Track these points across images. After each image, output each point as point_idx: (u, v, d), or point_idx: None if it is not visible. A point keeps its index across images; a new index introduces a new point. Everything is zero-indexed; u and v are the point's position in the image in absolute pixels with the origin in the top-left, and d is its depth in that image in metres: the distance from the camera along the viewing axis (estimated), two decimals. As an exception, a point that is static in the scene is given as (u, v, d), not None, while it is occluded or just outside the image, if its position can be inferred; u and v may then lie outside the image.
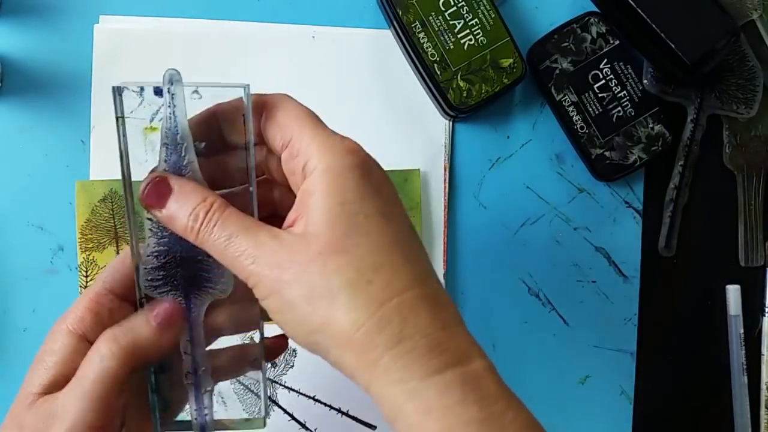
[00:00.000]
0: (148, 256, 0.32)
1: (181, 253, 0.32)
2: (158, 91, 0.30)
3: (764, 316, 0.53)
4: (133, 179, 0.32)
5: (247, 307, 0.33)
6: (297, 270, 0.28)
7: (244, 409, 0.35)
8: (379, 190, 0.30)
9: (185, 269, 0.32)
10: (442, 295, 0.30)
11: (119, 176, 0.32)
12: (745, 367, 0.52)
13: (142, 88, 0.30)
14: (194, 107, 0.31)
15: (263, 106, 0.32)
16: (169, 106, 0.30)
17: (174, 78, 0.30)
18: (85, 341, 0.32)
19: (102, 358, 0.30)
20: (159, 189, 0.30)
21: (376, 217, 0.29)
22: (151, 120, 0.31)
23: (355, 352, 0.28)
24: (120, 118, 0.31)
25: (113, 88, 0.31)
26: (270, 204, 0.35)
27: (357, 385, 0.29)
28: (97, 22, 0.49)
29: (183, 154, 0.31)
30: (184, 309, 0.32)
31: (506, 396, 0.28)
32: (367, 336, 0.27)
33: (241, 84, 0.31)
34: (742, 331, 0.53)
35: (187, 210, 0.30)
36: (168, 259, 0.32)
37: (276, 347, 0.35)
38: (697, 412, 0.53)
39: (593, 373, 0.52)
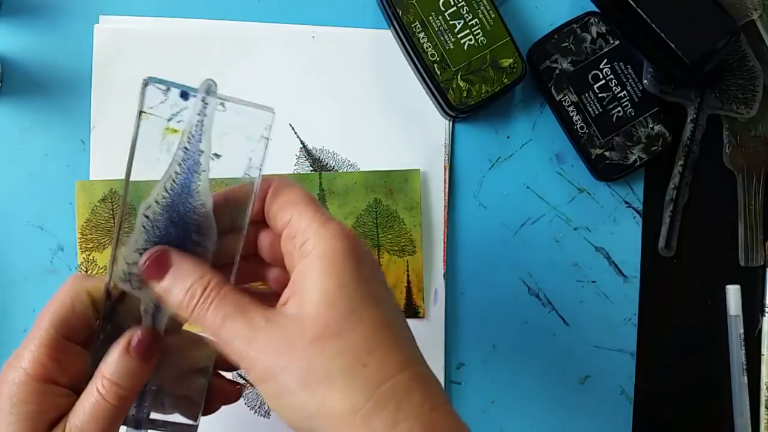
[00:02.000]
0: (134, 251, 0.32)
1: None
2: (184, 95, 0.31)
3: (764, 316, 0.53)
4: (138, 176, 0.32)
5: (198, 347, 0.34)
6: (293, 355, 0.28)
7: (179, 413, 0.35)
8: (373, 274, 0.31)
9: None
10: (429, 374, 0.31)
11: (122, 171, 0.32)
12: (745, 367, 0.52)
13: (168, 87, 0.31)
14: (218, 118, 0.31)
15: (268, 187, 0.33)
16: (199, 114, 0.31)
17: (211, 89, 0.31)
18: (50, 383, 0.32)
19: (100, 399, 0.31)
20: (159, 262, 0.31)
21: (370, 300, 0.30)
22: (169, 120, 0.31)
23: None
24: (141, 113, 0.31)
25: (143, 79, 0.31)
26: (258, 279, 0.36)
27: None
28: (97, 22, 0.49)
29: (199, 162, 0.31)
30: (155, 331, 0.32)
31: None
32: (364, 420, 0.28)
33: (268, 107, 0.32)
34: (742, 331, 0.53)
35: (184, 286, 0.30)
36: None
37: (228, 392, 0.36)
38: (697, 412, 0.53)
39: (593, 373, 0.52)
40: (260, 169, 0.32)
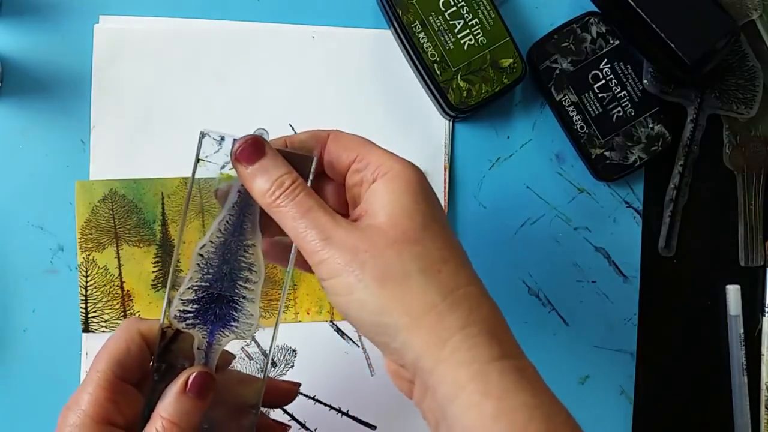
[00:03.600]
0: (188, 288, 0.33)
1: (219, 291, 0.34)
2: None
3: (764, 316, 0.53)
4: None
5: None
6: (373, 252, 0.29)
7: None
8: (438, 204, 0.33)
9: (218, 306, 0.34)
10: (491, 298, 0.32)
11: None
12: (745, 367, 0.52)
13: (222, 138, 0.33)
14: None
15: (325, 137, 0.35)
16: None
17: (263, 136, 0.33)
18: (109, 425, 0.32)
19: None
20: (254, 148, 0.32)
21: (442, 220, 0.32)
22: (222, 168, 0.34)
23: (425, 332, 0.29)
24: (199, 160, 0.34)
25: (200, 132, 0.34)
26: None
27: (417, 369, 0.29)
28: (97, 22, 0.49)
29: (251, 204, 0.33)
30: (210, 371, 0.34)
31: (550, 391, 0.31)
32: (439, 317, 0.29)
33: (311, 154, 0.34)
34: (742, 331, 0.53)
35: (274, 174, 0.32)
36: (206, 294, 0.34)
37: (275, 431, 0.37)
38: (697, 412, 0.53)
39: (593, 373, 0.52)
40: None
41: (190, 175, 0.33)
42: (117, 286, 0.49)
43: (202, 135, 0.34)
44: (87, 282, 0.48)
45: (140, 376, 0.34)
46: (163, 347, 0.34)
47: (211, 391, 0.33)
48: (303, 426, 0.49)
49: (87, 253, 0.48)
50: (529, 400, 0.29)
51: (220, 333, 0.34)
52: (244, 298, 0.33)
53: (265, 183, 0.32)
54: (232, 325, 0.34)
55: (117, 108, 0.49)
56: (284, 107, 0.50)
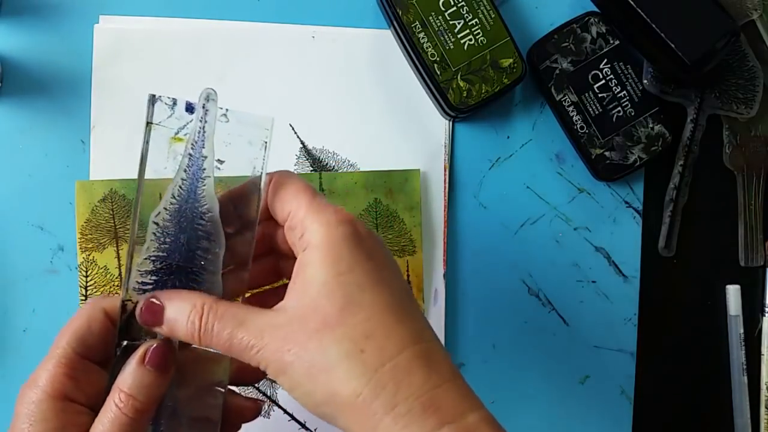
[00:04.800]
0: (146, 258, 0.32)
1: (177, 262, 0.32)
2: (189, 108, 0.32)
3: (764, 316, 0.53)
4: (147, 179, 0.33)
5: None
6: (297, 350, 0.29)
7: None
8: (371, 255, 0.31)
9: (177, 278, 0.33)
10: (436, 351, 0.31)
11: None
12: (745, 367, 0.52)
13: (174, 102, 0.32)
14: (221, 129, 0.33)
15: (270, 182, 0.34)
16: (201, 121, 0.32)
17: (211, 96, 0.32)
18: (68, 401, 0.32)
19: (117, 413, 0.31)
20: (152, 308, 0.32)
21: (369, 284, 0.30)
22: (177, 132, 0.33)
23: (357, 418, 0.29)
24: (149, 124, 0.32)
25: (149, 95, 0.32)
26: (276, 274, 0.37)
27: None
28: (97, 22, 0.49)
29: (203, 167, 0.32)
30: (170, 344, 0.33)
31: None
32: (365, 403, 0.29)
33: (267, 116, 0.33)
34: (742, 331, 0.53)
35: (183, 320, 0.31)
36: (163, 265, 0.32)
37: (246, 409, 0.37)
38: (697, 412, 0.53)
39: (593, 373, 0.52)
40: (263, 170, 0.33)
41: (142, 140, 0.32)
42: (117, 286, 0.49)
43: (154, 99, 0.32)
44: (87, 282, 0.48)
45: (104, 354, 0.33)
46: (124, 321, 0.33)
47: (171, 365, 0.32)
48: (303, 426, 0.49)
49: (87, 253, 0.48)
50: None
51: None
52: (204, 269, 0.32)
53: (181, 331, 0.31)
54: None
55: (117, 108, 0.49)
56: (284, 107, 0.50)
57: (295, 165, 0.50)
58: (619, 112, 0.50)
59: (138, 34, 0.49)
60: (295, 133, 0.50)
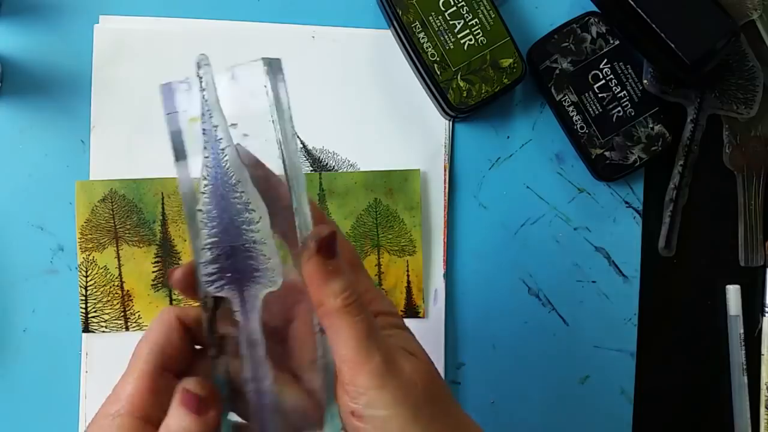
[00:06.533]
0: (203, 249, 0.31)
1: (230, 243, 0.31)
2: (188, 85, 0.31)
3: (764, 316, 0.53)
4: (184, 176, 0.31)
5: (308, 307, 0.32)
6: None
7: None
8: (445, 410, 0.30)
9: (235, 260, 0.31)
10: None
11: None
12: (745, 367, 0.52)
13: (188, 80, 0.31)
14: (227, 91, 0.31)
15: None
16: (201, 90, 0.31)
17: (202, 62, 0.31)
18: (146, 422, 0.31)
19: None
20: (332, 243, 0.30)
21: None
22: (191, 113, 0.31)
23: None
24: (167, 115, 0.31)
25: (161, 86, 0.31)
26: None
27: None
28: (97, 22, 0.49)
29: (218, 137, 0.30)
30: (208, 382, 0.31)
31: None
32: None
33: (257, 59, 0.31)
34: (742, 331, 0.53)
35: (349, 276, 0.30)
36: (219, 250, 0.31)
37: None
38: (697, 412, 0.53)
39: (593, 373, 0.52)
40: (273, 120, 0.31)
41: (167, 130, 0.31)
42: (117, 286, 0.49)
43: (165, 87, 0.31)
44: (87, 282, 0.48)
45: (182, 363, 0.32)
46: (208, 320, 0.31)
47: (211, 409, 0.30)
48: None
49: (87, 253, 0.48)
50: None
51: (248, 288, 0.31)
52: (254, 242, 0.30)
53: (343, 280, 0.29)
54: (255, 276, 0.31)
55: (117, 108, 0.49)
56: (284, 107, 0.50)
57: (295, 165, 0.50)
58: (619, 112, 0.50)
59: (138, 34, 0.49)
60: (295, 133, 0.50)
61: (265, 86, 0.31)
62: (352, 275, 0.30)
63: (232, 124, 0.31)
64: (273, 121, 0.31)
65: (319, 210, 0.33)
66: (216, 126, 0.30)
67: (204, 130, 0.30)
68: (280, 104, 0.31)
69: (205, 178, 0.31)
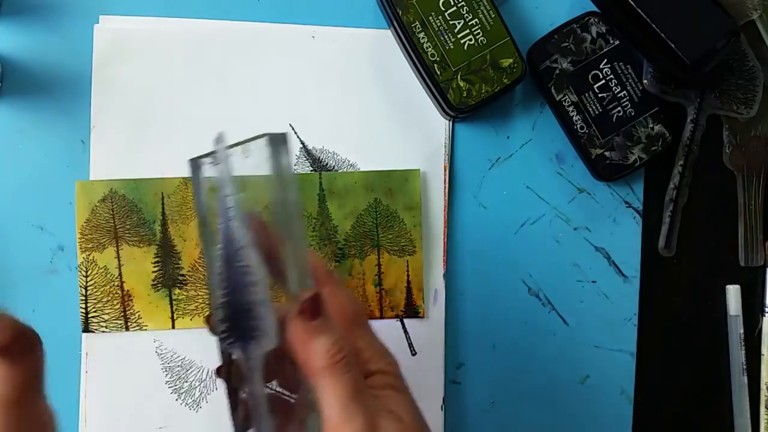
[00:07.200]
0: (217, 308, 0.33)
1: (237, 303, 0.33)
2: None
3: (764, 316, 0.53)
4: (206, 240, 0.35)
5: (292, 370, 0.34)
6: None
7: None
8: None
9: (241, 320, 0.33)
10: None
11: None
12: (745, 367, 0.52)
13: (214, 154, 0.33)
14: (240, 163, 0.34)
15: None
16: (216, 165, 0.33)
17: (219, 139, 0.33)
18: None
19: None
20: (316, 303, 0.31)
21: None
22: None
23: None
24: (195, 185, 0.34)
25: (189, 161, 0.34)
26: None
27: None
28: (97, 22, 0.49)
29: (227, 206, 0.33)
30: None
31: None
32: None
33: (262, 134, 0.33)
34: (742, 331, 0.53)
35: (335, 334, 0.30)
36: (229, 310, 0.33)
37: None
38: (697, 412, 0.53)
39: (593, 373, 0.52)
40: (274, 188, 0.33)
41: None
42: (117, 286, 0.49)
43: (196, 162, 0.34)
44: (87, 282, 0.48)
45: None
46: (225, 374, 0.34)
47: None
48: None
49: (87, 253, 0.48)
50: None
51: (250, 346, 0.33)
52: (254, 303, 0.33)
53: (327, 340, 0.30)
54: (255, 335, 0.33)
55: (117, 108, 0.49)
56: (284, 107, 0.50)
57: (295, 165, 0.50)
58: (619, 112, 0.50)
59: (138, 34, 0.49)
60: (295, 133, 0.50)
61: (270, 158, 0.33)
62: (340, 333, 0.31)
63: (241, 193, 0.33)
64: (273, 188, 0.33)
65: (325, 268, 0.35)
66: (227, 196, 0.33)
67: (217, 198, 0.33)
68: (281, 173, 0.34)
69: (218, 243, 0.33)
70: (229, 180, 0.33)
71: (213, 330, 0.34)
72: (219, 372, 0.34)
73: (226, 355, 0.34)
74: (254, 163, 0.34)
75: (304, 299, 0.31)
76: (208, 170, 0.34)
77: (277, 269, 0.33)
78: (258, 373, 0.33)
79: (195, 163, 0.35)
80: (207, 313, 0.33)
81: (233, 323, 0.33)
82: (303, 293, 0.31)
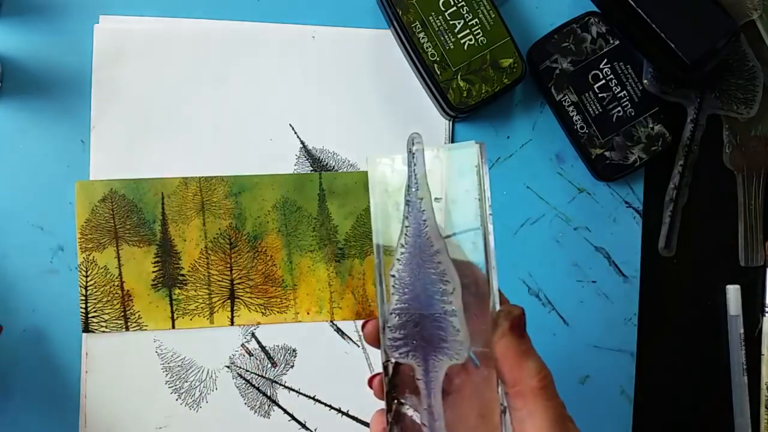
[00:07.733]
0: (391, 313, 0.32)
1: (419, 311, 0.32)
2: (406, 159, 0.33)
3: (764, 316, 0.53)
4: (382, 243, 0.33)
5: (486, 382, 0.32)
6: None
7: None
8: None
9: (423, 328, 0.32)
10: None
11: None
12: (745, 367, 0.52)
13: (393, 159, 0.33)
14: (434, 167, 0.33)
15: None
16: (410, 166, 0.32)
17: (415, 140, 0.32)
18: None
19: None
20: (522, 321, 0.30)
21: None
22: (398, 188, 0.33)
23: None
24: (378, 188, 0.33)
25: (368, 157, 0.33)
26: None
27: None
28: (97, 22, 0.49)
29: (422, 209, 0.32)
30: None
31: None
32: None
33: (471, 143, 0.32)
34: (742, 331, 0.53)
35: (539, 359, 0.30)
36: (408, 317, 0.32)
37: None
38: (697, 412, 0.53)
39: (593, 373, 0.52)
40: (479, 199, 0.32)
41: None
42: (117, 286, 0.49)
43: (374, 162, 0.33)
44: (87, 282, 0.48)
45: None
46: (389, 383, 0.32)
47: None
48: (303, 426, 0.49)
49: (87, 253, 0.48)
50: None
51: (434, 358, 0.31)
52: (445, 312, 0.31)
53: (538, 361, 0.29)
54: (442, 347, 0.31)
55: (117, 108, 0.49)
56: (284, 107, 0.50)
57: (295, 165, 0.50)
58: (619, 112, 0.50)
59: (138, 34, 0.49)
60: (295, 133, 0.50)
61: (476, 166, 0.32)
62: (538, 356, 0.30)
63: (436, 198, 0.32)
64: (479, 199, 0.32)
65: (501, 292, 0.34)
66: (421, 198, 0.32)
67: (408, 201, 0.32)
68: (483, 185, 0.32)
69: (402, 246, 0.32)
70: (425, 182, 0.32)
71: (370, 337, 0.32)
72: (371, 383, 0.33)
73: (390, 366, 0.32)
74: (456, 168, 0.32)
75: (515, 315, 0.30)
76: (387, 173, 0.33)
77: (471, 282, 0.31)
78: (439, 388, 0.31)
79: (374, 162, 0.33)
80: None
81: (413, 332, 0.31)
82: (511, 309, 0.30)
